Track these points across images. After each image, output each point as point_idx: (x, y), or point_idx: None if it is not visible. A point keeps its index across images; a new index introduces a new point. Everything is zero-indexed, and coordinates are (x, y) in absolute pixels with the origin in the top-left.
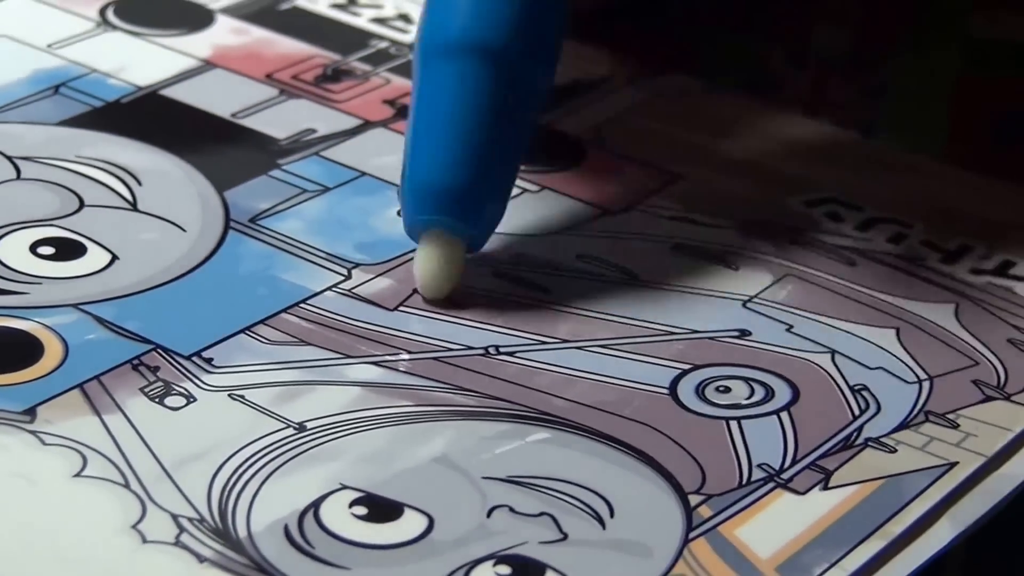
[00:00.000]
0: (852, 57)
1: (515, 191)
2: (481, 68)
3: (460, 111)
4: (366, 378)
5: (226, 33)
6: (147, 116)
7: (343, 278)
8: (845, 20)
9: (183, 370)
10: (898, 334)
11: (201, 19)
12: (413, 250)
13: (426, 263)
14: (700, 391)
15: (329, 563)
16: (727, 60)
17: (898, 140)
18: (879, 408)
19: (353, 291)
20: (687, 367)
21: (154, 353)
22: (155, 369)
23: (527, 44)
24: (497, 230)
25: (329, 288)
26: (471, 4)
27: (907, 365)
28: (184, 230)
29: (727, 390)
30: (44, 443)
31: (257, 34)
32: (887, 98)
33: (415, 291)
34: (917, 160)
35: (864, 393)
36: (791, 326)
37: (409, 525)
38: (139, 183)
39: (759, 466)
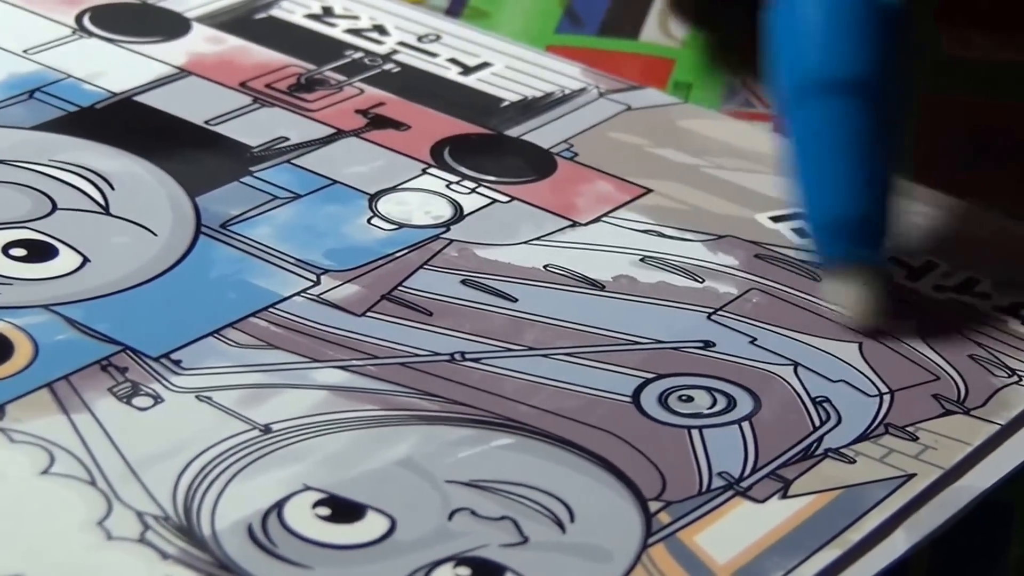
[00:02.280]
0: None
1: (485, 201)
2: (863, 101)
3: (855, 145)
4: (332, 382)
5: (201, 41)
6: (121, 122)
7: (312, 284)
8: None
9: (151, 371)
10: (860, 348)
11: (177, 27)
12: (383, 257)
13: (865, 296)
14: (663, 400)
15: (292, 562)
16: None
17: None
18: (840, 420)
19: (321, 296)
20: (651, 376)
21: (123, 354)
22: (124, 370)
23: (894, 70)
24: (466, 239)
25: (298, 293)
26: (835, 38)
27: (869, 378)
28: (155, 234)
29: (690, 399)
30: (12, 440)
31: (232, 43)
32: None
33: (383, 297)
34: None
35: (825, 405)
36: (755, 338)
37: (371, 526)
38: (111, 187)
39: (719, 474)
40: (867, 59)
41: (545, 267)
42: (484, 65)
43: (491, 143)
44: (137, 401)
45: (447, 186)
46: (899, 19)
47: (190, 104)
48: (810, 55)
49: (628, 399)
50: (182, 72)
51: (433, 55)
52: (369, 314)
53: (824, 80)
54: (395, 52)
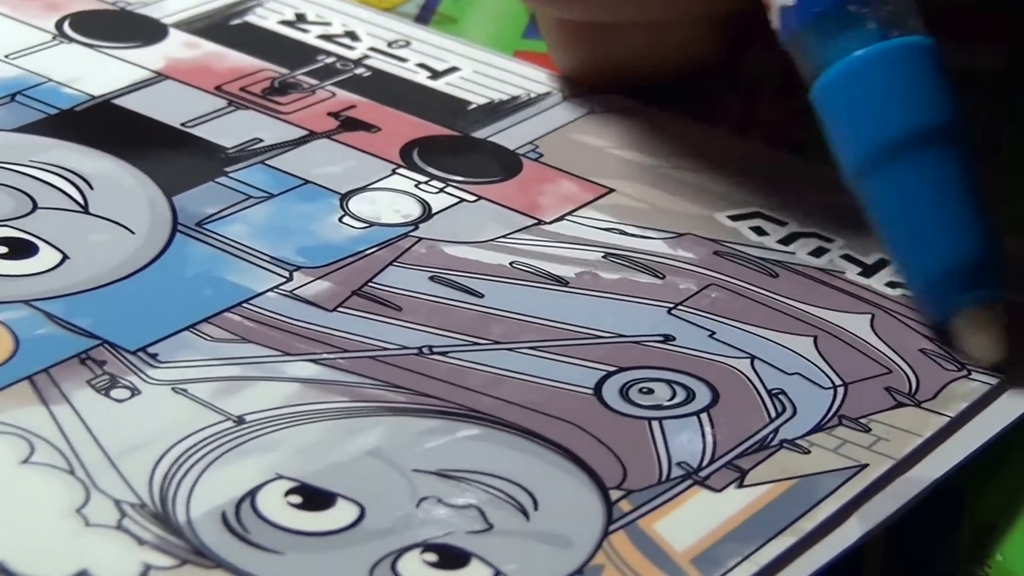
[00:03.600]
0: (782, 79)
1: (453, 200)
2: (951, 144)
3: (959, 189)
4: (304, 375)
5: (178, 47)
6: (100, 124)
7: (285, 280)
8: (775, 44)
9: (129, 364)
10: (816, 342)
11: (155, 33)
12: (353, 254)
13: (1002, 334)
14: (624, 392)
15: (264, 548)
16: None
17: (825, 159)
18: (795, 411)
19: (294, 292)
20: (612, 369)
21: (101, 348)
22: (102, 363)
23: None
24: (434, 236)
25: (271, 289)
26: (905, 91)
27: (823, 371)
28: (133, 232)
29: (650, 391)
30: None
31: (208, 48)
32: (815, 119)
33: (354, 293)
34: (839, 179)
35: (781, 397)
36: (713, 332)
37: (341, 514)
38: (91, 187)
39: (678, 464)
40: (939, 101)
41: (511, 264)
42: (452, 70)
43: (459, 144)
44: (115, 393)
45: (416, 186)
46: (936, 52)
47: (167, 107)
48: (887, 116)
49: (590, 391)
50: (159, 76)
51: (403, 60)
52: (340, 309)
53: (909, 136)
54: (366, 57)
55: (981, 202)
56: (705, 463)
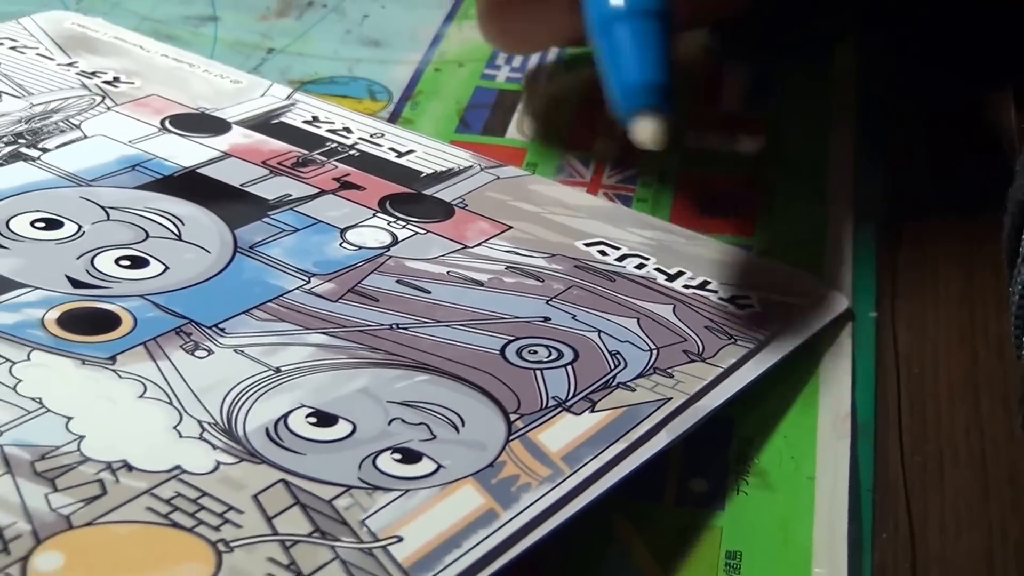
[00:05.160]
0: (618, 159)
1: (411, 233)
2: (656, 21)
3: (653, 42)
4: (317, 342)
5: (238, 136)
6: (188, 185)
7: (305, 282)
8: (615, 136)
9: (206, 334)
10: (639, 322)
11: (222, 128)
12: (348, 266)
13: (662, 130)
14: (519, 353)
15: (292, 451)
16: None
17: (646, 208)
18: (626, 364)
19: (311, 290)
20: (511, 338)
21: (189, 325)
22: (189, 334)
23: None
24: (400, 255)
25: (296, 288)
26: None
27: (644, 339)
28: (209, 252)
29: (535, 352)
30: (120, 377)
31: (257, 137)
32: (637, 183)
33: (349, 290)
34: (655, 220)
35: (617, 355)
36: (575, 315)
37: (341, 429)
38: (182, 224)
39: (552, 398)
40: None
41: (447, 272)
42: (411, 151)
43: (415, 198)
44: (197, 353)
45: (388, 224)
46: None
47: (230, 174)
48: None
49: (497, 352)
50: (225, 155)
51: (379, 145)
52: (340, 301)
53: (633, 10)
54: (357, 143)
55: (669, 53)
56: (570, 397)
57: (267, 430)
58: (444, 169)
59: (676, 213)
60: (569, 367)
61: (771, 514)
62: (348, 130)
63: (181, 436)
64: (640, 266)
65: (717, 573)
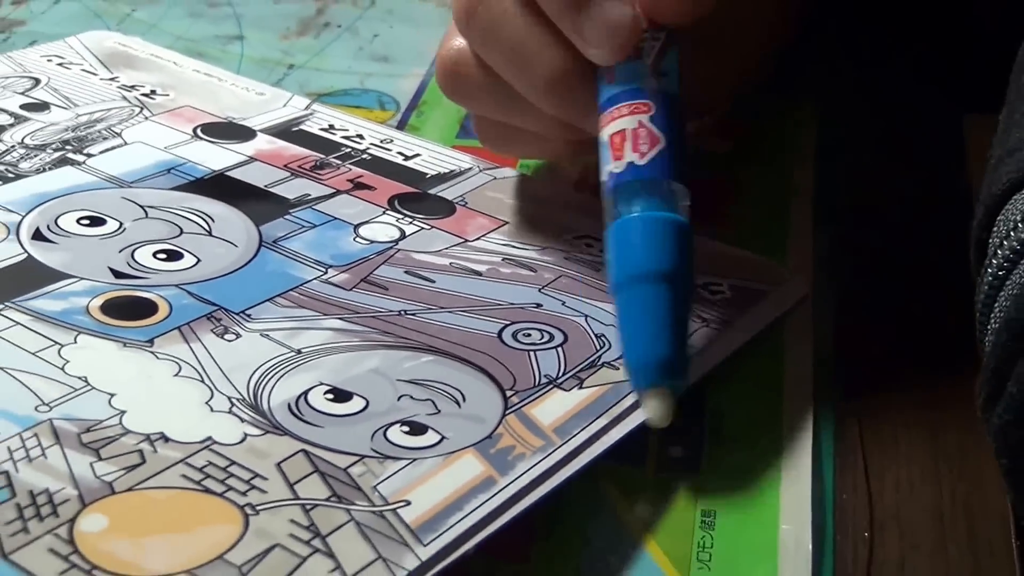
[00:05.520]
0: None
1: (417, 228)
2: (668, 285)
3: (664, 313)
4: (334, 326)
5: (262, 142)
6: (218, 186)
7: (322, 273)
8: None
9: (235, 319)
10: None
11: (248, 135)
12: (361, 258)
13: (669, 409)
14: (515, 336)
15: (312, 424)
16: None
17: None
18: (610, 346)
19: (328, 280)
20: (507, 323)
21: (219, 311)
22: (219, 320)
23: (686, 264)
24: (407, 248)
25: (315, 278)
26: (655, 243)
27: None
28: (236, 246)
29: (529, 335)
30: (158, 358)
31: (279, 143)
32: None
33: (362, 280)
34: None
35: (602, 338)
36: (564, 302)
37: (355, 404)
38: (212, 221)
39: (544, 376)
40: (671, 258)
41: (450, 263)
42: (417, 155)
43: (421, 197)
44: (227, 336)
45: (397, 220)
46: (688, 231)
47: (256, 176)
48: (635, 256)
49: (495, 335)
50: (251, 159)
51: (389, 150)
52: (354, 289)
53: (645, 273)
54: (368, 148)
55: (684, 326)
56: (560, 375)
57: (289, 405)
58: (447, 171)
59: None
60: (559, 348)
61: (742, 477)
62: (360, 136)
63: (212, 411)
64: None
65: (694, 530)
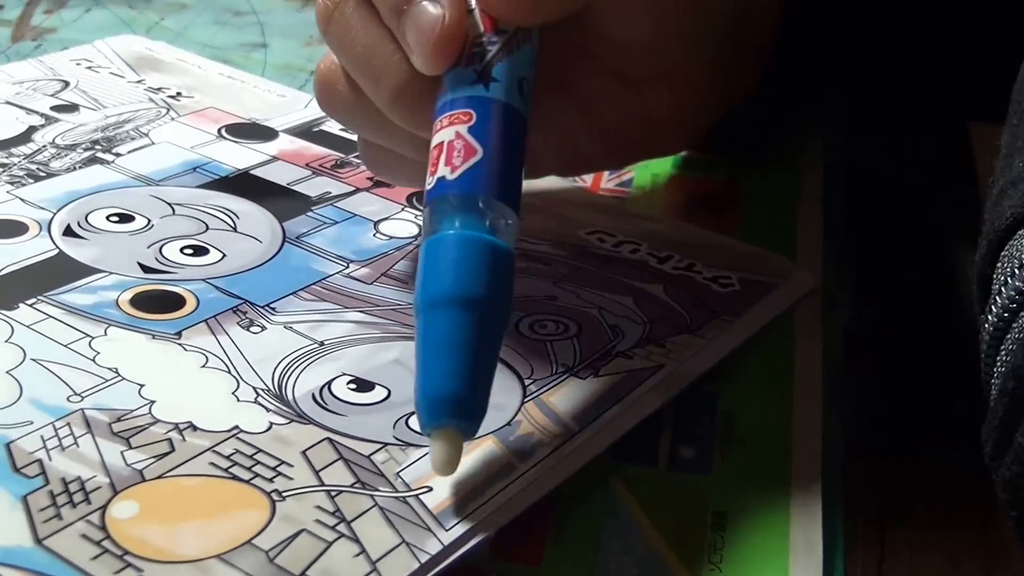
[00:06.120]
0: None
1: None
2: (474, 314)
3: (463, 345)
4: (355, 319)
5: (285, 142)
6: (242, 184)
7: (344, 267)
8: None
9: (260, 312)
10: (634, 299)
11: (271, 135)
12: (381, 254)
13: (451, 457)
14: (531, 327)
15: (336, 413)
16: None
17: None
18: (623, 336)
19: (349, 275)
20: (523, 314)
21: (245, 304)
22: (245, 313)
23: (501, 295)
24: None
25: (336, 273)
26: (455, 266)
27: (638, 314)
28: (261, 242)
29: (545, 326)
30: (185, 350)
31: (301, 143)
32: (631, 187)
33: (382, 274)
34: (648, 213)
35: (616, 328)
36: (578, 294)
37: (378, 394)
38: (237, 217)
39: (561, 364)
40: (476, 285)
41: None
42: None
43: None
44: (252, 329)
45: (415, 216)
46: (509, 259)
47: (279, 175)
48: (437, 279)
49: (512, 326)
50: (274, 158)
51: None
52: (375, 283)
53: (446, 298)
54: None
55: (485, 362)
56: (576, 364)
57: (313, 395)
58: None
59: (665, 213)
60: (575, 339)
61: (753, 478)
62: None
63: (239, 400)
64: (634, 251)
65: (705, 532)
